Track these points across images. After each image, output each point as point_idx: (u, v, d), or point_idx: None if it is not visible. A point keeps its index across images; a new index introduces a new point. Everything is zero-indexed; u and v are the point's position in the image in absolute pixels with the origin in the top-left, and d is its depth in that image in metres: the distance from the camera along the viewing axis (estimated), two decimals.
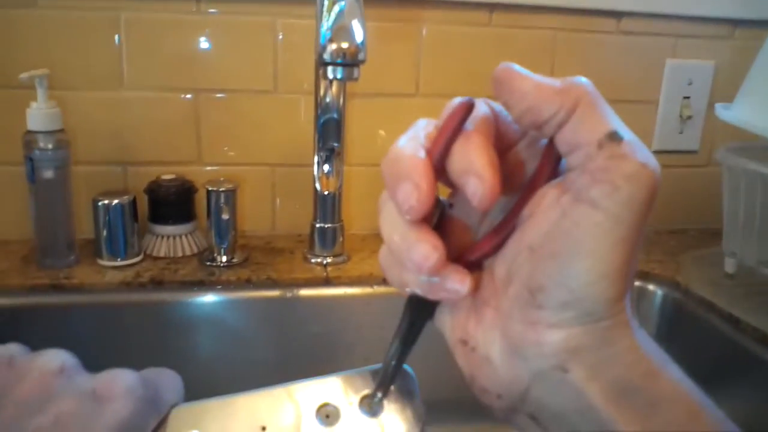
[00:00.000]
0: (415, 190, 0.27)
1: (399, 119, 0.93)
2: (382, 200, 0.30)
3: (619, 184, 0.25)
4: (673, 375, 0.28)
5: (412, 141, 0.29)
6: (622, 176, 0.25)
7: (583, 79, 0.27)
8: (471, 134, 0.28)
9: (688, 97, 0.99)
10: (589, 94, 0.26)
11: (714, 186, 0.92)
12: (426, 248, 0.28)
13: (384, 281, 0.81)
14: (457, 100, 0.29)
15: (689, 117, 1.00)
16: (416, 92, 0.92)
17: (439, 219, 0.32)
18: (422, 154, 0.28)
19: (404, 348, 0.34)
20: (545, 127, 0.27)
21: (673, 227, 1.03)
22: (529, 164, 0.30)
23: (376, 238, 0.94)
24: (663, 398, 0.27)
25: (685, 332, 0.82)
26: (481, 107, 0.29)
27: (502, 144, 0.30)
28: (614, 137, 0.26)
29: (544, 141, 0.29)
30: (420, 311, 0.33)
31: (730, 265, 0.85)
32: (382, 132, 0.93)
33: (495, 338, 0.30)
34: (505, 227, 0.30)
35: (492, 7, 0.90)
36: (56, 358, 0.34)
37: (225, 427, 0.34)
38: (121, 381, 0.33)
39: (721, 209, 0.86)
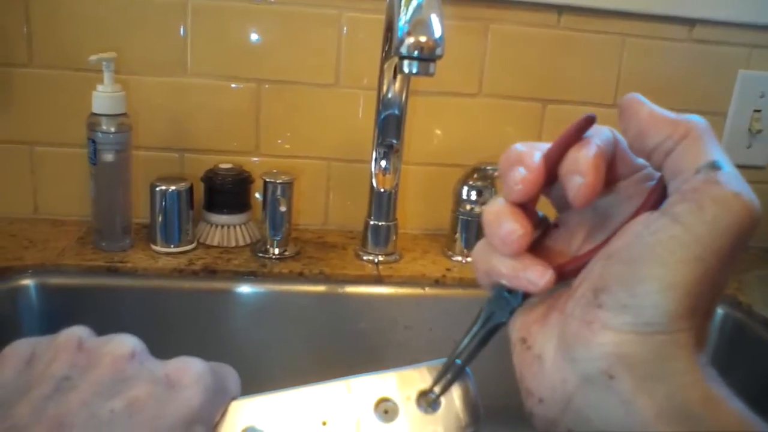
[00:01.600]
0: (525, 173, 0.29)
1: (458, 119, 0.91)
2: (492, 198, 0.33)
3: (705, 204, 0.25)
4: (737, 408, 0.26)
5: (531, 145, 0.31)
6: (710, 198, 0.25)
7: (698, 117, 0.28)
8: (587, 141, 0.30)
9: (759, 111, 0.96)
10: (701, 128, 0.28)
11: None
12: (515, 225, 0.30)
13: (436, 282, 0.80)
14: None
15: (759, 131, 0.96)
16: (478, 92, 0.91)
17: (542, 236, 0.34)
18: (539, 153, 0.30)
19: (473, 348, 0.34)
20: (654, 155, 0.28)
21: None
22: (637, 199, 0.31)
23: (428, 238, 0.93)
24: (725, 430, 0.25)
25: (746, 353, 0.79)
26: (604, 130, 0.31)
27: (616, 172, 0.32)
28: (713, 166, 0.26)
29: (653, 182, 0.30)
30: (498, 310, 0.33)
31: None
32: (438, 132, 0.92)
33: (552, 337, 0.30)
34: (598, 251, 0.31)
35: (561, 9, 0.88)
36: (127, 342, 0.34)
37: (285, 421, 0.34)
38: (192, 369, 0.33)
39: None
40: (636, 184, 0.31)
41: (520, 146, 0.31)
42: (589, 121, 0.30)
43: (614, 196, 0.32)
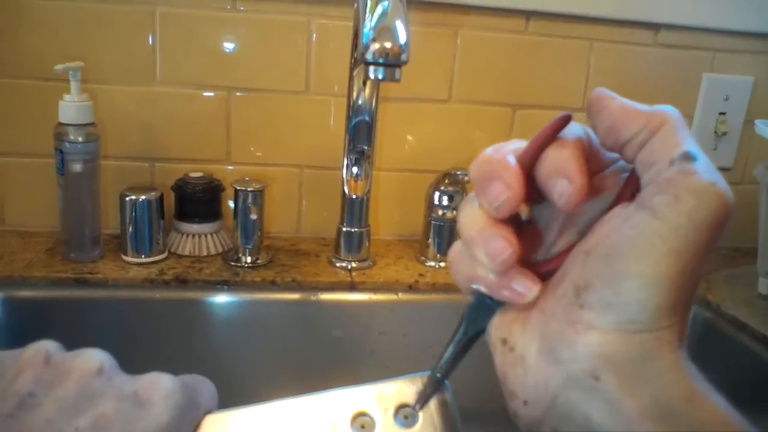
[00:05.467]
0: (506, 190, 0.28)
1: (430, 125, 0.92)
2: (465, 200, 0.31)
3: (682, 196, 0.25)
4: (720, 405, 0.26)
5: (502, 149, 0.30)
6: (687, 189, 0.25)
7: (670, 107, 0.28)
8: (565, 141, 0.29)
9: (724, 113, 0.97)
10: (673, 120, 0.27)
11: (748, 204, 0.90)
12: (503, 243, 0.29)
13: (409, 288, 0.80)
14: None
15: (725, 133, 0.98)
16: (449, 98, 0.91)
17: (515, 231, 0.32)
18: (513, 159, 0.29)
19: (454, 360, 0.33)
20: (627, 149, 0.28)
21: None
22: (610, 192, 0.30)
23: (401, 244, 0.93)
24: (708, 428, 0.26)
25: (715, 352, 0.80)
26: (576, 127, 0.30)
27: (589, 167, 0.31)
28: (688, 156, 0.26)
29: (626, 174, 0.30)
30: (478, 317, 0.33)
31: (764, 286, 0.83)
32: (410, 138, 0.92)
33: (534, 338, 0.29)
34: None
35: (529, 15, 0.89)
36: (95, 357, 0.33)
37: None
38: (162, 385, 0.33)
39: (754, 228, 0.84)
40: (608, 177, 0.31)
41: (492, 154, 0.30)
42: (566, 120, 0.29)
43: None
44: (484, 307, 0.32)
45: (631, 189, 0.29)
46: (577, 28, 0.91)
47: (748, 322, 0.76)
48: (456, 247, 0.32)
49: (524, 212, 0.31)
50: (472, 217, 0.30)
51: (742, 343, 0.76)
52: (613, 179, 0.31)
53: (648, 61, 0.94)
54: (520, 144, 0.30)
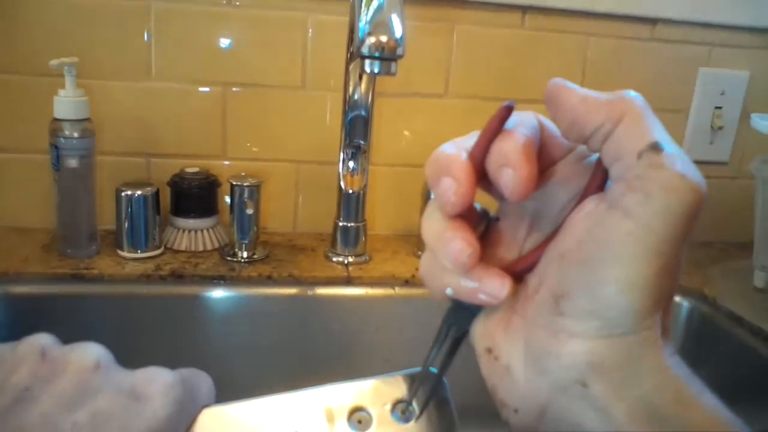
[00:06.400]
0: (454, 184, 0.28)
1: (426, 120, 0.92)
2: (428, 204, 0.31)
3: (652, 193, 0.24)
4: (708, 405, 0.26)
5: (456, 145, 0.29)
6: (657, 185, 0.24)
7: (632, 93, 0.27)
8: (508, 132, 0.28)
9: (720, 107, 0.98)
10: (637, 106, 0.26)
11: (743, 199, 0.91)
12: (461, 244, 0.28)
13: (406, 283, 0.80)
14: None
15: (720, 127, 0.98)
16: (445, 93, 0.91)
17: (485, 232, 0.32)
18: (464, 155, 0.28)
19: (445, 358, 0.33)
20: (592, 141, 0.27)
21: (700, 239, 1.01)
22: (576, 180, 0.29)
23: (398, 239, 0.93)
24: (697, 430, 0.25)
25: (712, 346, 0.80)
26: (527, 115, 0.30)
27: (548, 157, 0.30)
28: (655, 147, 0.25)
29: (594, 158, 0.29)
30: (459, 320, 0.32)
31: (760, 279, 0.83)
32: (406, 133, 0.92)
33: (518, 347, 0.29)
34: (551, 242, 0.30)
35: (525, 9, 0.89)
36: (92, 352, 0.33)
37: (257, 430, 0.33)
38: (160, 380, 0.32)
39: (749, 222, 0.84)
40: (572, 164, 0.30)
41: (446, 149, 0.29)
42: (508, 110, 0.29)
43: (552, 181, 0.30)
44: (463, 309, 0.32)
45: (598, 178, 0.28)
46: (573, 23, 0.91)
47: (744, 316, 0.76)
48: (425, 256, 0.31)
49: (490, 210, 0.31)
50: (430, 221, 0.29)
51: (739, 337, 0.76)
52: (578, 166, 0.30)
53: (644, 56, 0.94)
54: (476, 137, 0.30)
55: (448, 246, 0.28)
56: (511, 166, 0.27)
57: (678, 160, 0.25)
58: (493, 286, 0.29)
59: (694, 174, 0.25)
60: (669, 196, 0.24)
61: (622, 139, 0.26)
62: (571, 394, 0.27)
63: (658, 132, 0.26)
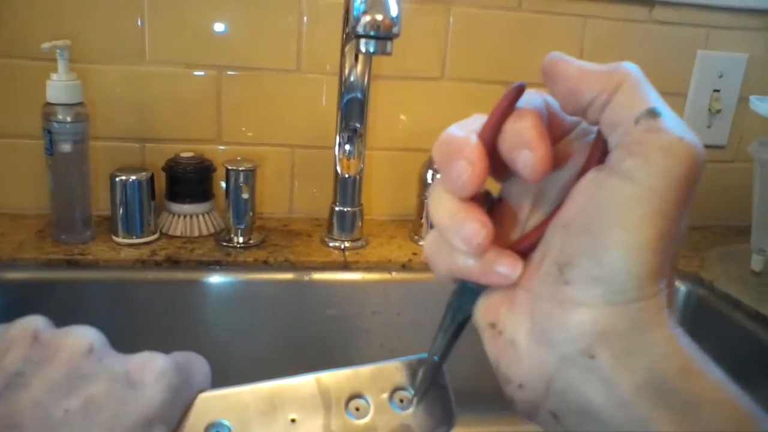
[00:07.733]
0: (468, 167, 0.28)
1: (422, 103, 0.91)
2: (432, 186, 0.31)
3: (652, 156, 0.25)
4: (714, 376, 0.26)
5: (464, 127, 0.29)
6: (656, 148, 0.25)
7: (629, 63, 0.27)
8: (522, 112, 0.28)
9: (718, 90, 0.97)
10: (633, 76, 0.26)
11: (741, 182, 0.90)
12: (476, 225, 0.28)
13: (402, 267, 0.80)
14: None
15: (718, 111, 0.97)
16: (442, 76, 0.90)
17: (488, 212, 0.31)
18: (474, 137, 0.28)
19: (447, 344, 0.33)
20: (590, 111, 0.27)
21: (698, 223, 1.01)
22: (578, 158, 0.30)
23: (394, 224, 0.93)
24: (704, 401, 0.25)
25: (709, 329, 0.80)
26: (533, 95, 0.30)
27: (552, 135, 0.30)
28: (652, 113, 0.25)
29: (593, 136, 0.29)
30: (464, 303, 0.32)
31: (757, 263, 0.83)
32: (403, 117, 0.91)
33: (523, 320, 0.29)
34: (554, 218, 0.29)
35: None
36: (86, 336, 0.32)
37: (253, 416, 0.33)
38: (154, 366, 0.32)
39: (747, 206, 0.84)
40: (573, 142, 0.30)
41: (455, 131, 0.29)
42: (520, 90, 0.29)
43: (556, 157, 0.29)
44: (469, 292, 0.32)
45: (598, 152, 0.28)
46: (570, 5, 0.90)
47: (741, 299, 0.76)
48: (431, 237, 0.31)
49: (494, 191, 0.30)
50: (441, 203, 0.29)
51: (736, 320, 0.76)
52: (579, 143, 0.30)
53: (642, 38, 0.94)
54: (483, 119, 0.30)
55: (462, 228, 0.28)
56: (528, 147, 0.27)
57: (675, 123, 0.25)
58: (506, 267, 0.29)
59: (692, 137, 0.25)
60: (668, 158, 0.25)
61: (620, 106, 0.26)
62: (577, 366, 0.26)
63: (655, 99, 0.26)
